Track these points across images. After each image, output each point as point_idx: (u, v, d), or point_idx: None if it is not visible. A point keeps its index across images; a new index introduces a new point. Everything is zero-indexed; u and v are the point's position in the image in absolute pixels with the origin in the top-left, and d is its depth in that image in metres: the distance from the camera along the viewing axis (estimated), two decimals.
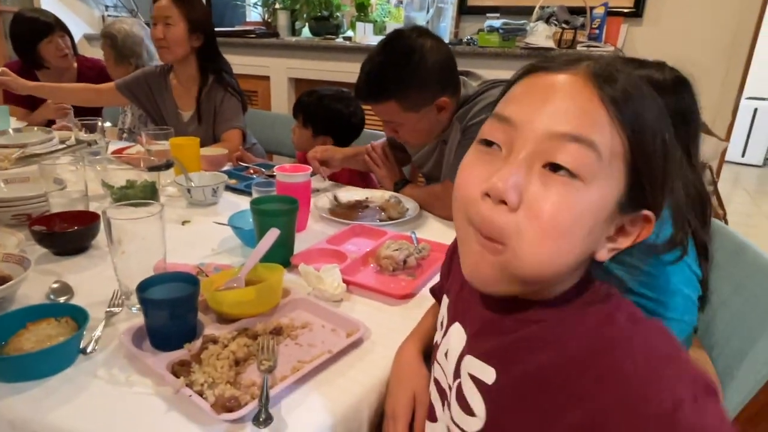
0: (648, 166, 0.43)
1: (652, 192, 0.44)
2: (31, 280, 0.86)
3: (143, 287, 0.70)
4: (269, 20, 3.17)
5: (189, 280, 0.74)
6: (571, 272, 0.45)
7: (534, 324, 0.47)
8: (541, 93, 0.43)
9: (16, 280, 0.78)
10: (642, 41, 2.57)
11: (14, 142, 1.57)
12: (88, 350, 0.69)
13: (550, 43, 2.29)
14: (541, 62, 0.46)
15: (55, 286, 0.85)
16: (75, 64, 2.37)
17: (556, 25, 2.42)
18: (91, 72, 2.38)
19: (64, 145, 1.57)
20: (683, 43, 2.48)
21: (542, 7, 2.47)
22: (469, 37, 2.55)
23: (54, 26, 2.19)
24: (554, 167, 0.41)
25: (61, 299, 0.82)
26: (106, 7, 3.54)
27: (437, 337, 0.63)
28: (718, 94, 2.50)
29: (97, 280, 0.89)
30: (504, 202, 0.42)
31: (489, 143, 0.46)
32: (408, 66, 1.17)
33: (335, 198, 1.34)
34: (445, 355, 0.57)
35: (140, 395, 0.62)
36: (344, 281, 0.88)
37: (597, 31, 2.41)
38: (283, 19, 3.01)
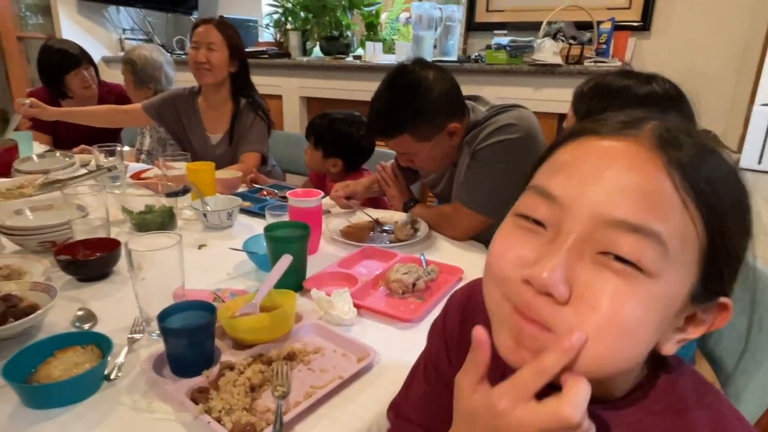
0: (727, 250, 0.36)
1: (731, 276, 0.38)
2: (57, 306, 0.90)
3: (163, 316, 0.74)
4: (281, 40, 3.24)
5: (206, 308, 0.77)
6: (633, 369, 0.40)
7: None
8: (593, 165, 0.36)
9: (44, 309, 0.82)
10: (650, 54, 2.58)
11: (37, 168, 1.64)
12: (112, 377, 0.73)
13: (558, 60, 2.31)
14: (592, 124, 0.39)
15: (80, 313, 0.89)
16: (96, 91, 2.45)
17: (563, 41, 2.44)
18: (110, 96, 2.47)
19: (86, 171, 1.63)
20: (692, 55, 2.49)
21: (549, 23, 2.50)
22: (477, 54, 2.59)
23: (81, 59, 2.29)
24: (612, 257, 0.35)
25: (86, 326, 0.86)
26: (123, 30, 3.65)
27: None
28: (728, 105, 2.50)
29: (118, 306, 0.93)
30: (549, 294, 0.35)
31: (531, 219, 0.39)
32: (416, 99, 1.22)
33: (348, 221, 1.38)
34: None
35: (162, 421, 0.65)
36: (355, 305, 0.91)
37: (604, 46, 2.43)
38: (294, 40, 3.08)
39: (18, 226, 1.11)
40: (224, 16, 3.32)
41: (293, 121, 3.02)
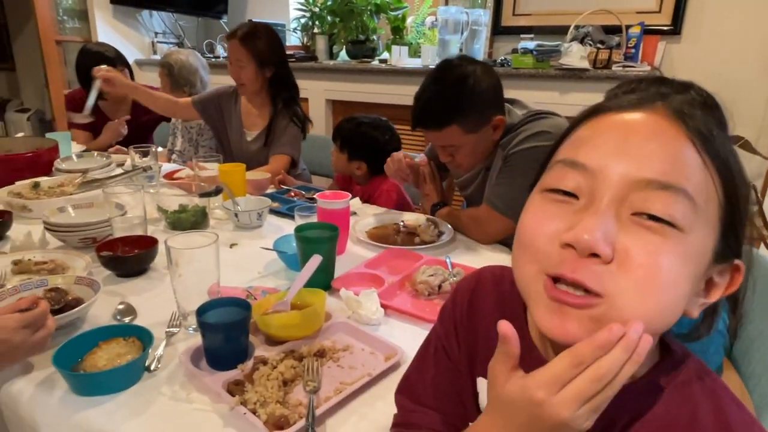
0: (740, 209, 0.39)
1: (742, 237, 0.40)
2: (99, 300, 0.95)
3: (201, 311, 0.77)
4: (308, 44, 3.29)
5: (241, 305, 0.81)
6: (672, 322, 0.40)
7: (630, 406, 0.41)
8: (618, 134, 0.39)
9: (89, 302, 0.86)
10: (681, 59, 2.54)
11: (77, 168, 1.71)
12: (152, 368, 0.77)
13: (585, 64, 2.30)
14: (608, 102, 0.42)
15: (121, 307, 0.93)
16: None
17: (590, 45, 2.43)
18: None
19: (122, 170, 1.69)
20: (724, 60, 2.45)
21: (577, 27, 2.49)
22: (503, 58, 2.59)
23: (115, 61, 2.37)
24: (645, 216, 0.37)
25: (126, 319, 0.91)
26: (156, 33, 3.76)
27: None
28: (762, 111, 2.45)
29: (156, 302, 0.97)
30: (595, 255, 0.36)
31: (561, 192, 0.40)
32: (465, 90, 1.24)
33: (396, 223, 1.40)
34: None
35: (200, 411, 0.69)
36: (382, 305, 0.93)
37: (633, 51, 2.41)
38: (321, 44, 3.13)
39: (61, 223, 1.16)
40: (253, 20, 3.40)
41: (319, 123, 3.06)
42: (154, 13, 3.70)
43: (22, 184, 1.52)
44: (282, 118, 1.98)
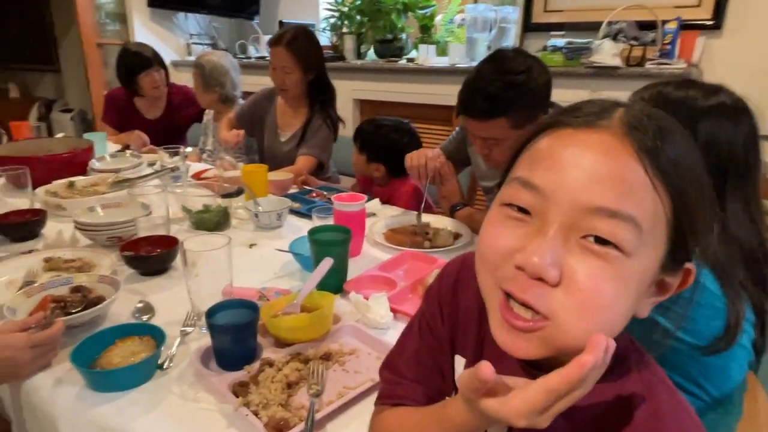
0: (692, 222, 0.40)
1: (696, 244, 0.42)
2: (121, 298, 0.99)
3: (211, 313, 0.79)
4: (337, 44, 3.32)
5: (251, 307, 0.82)
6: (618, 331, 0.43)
7: (595, 400, 0.43)
8: (570, 156, 0.39)
9: (107, 301, 0.90)
10: (721, 55, 2.43)
11: (109, 168, 1.78)
12: (165, 366, 0.79)
13: (617, 62, 2.23)
14: (566, 116, 0.42)
15: (140, 305, 0.97)
16: (166, 92, 2.64)
17: (624, 41, 2.35)
18: (178, 97, 2.67)
19: (152, 170, 1.75)
20: None
21: (610, 23, 2.41)
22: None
23: (152, 62, 2.48)
24: (592, 238, 0.38)
25: (145, 317, 0.94)
26: (191, 35, 3.86)
27: None
28: None
29: (174, 300, 1.00)
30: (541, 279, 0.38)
31: (516, 207, 0.42)
32: (522, 84, 1.21)
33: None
34: None
35: (205, 411, 0.71)
36: (392, 309, 0.94)
37: (669, 47, 2.31)
38: (349, 43, 3.14)
39: (89, 222, 1.21)
40: (283, 21, 3.46)
41: (346, 123, 3.07)
42: (189, 15, 3.80)
43: (59, 184, 1.60)
44: (316, 120, 2.00)
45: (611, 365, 0.42)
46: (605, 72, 2.21)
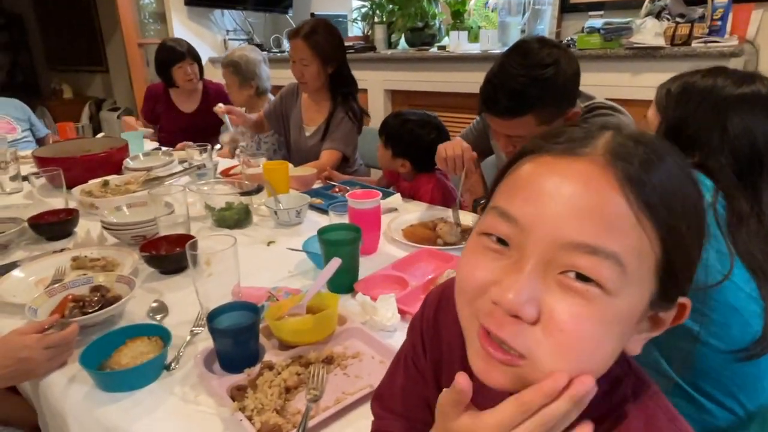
0: (683, 259, 0.37)
1: (687, 281, 0.39)
2: (138, 297, 1.02)
3: (214, 315, 0.80)
4: (368, 34, 3.28)
5: (252, 309, 0.82)
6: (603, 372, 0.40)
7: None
8: (550, 187, 0.36)
9: (121, 302, 0.92)
10: None
11: (142, 166, 1.84)
12: (171, 367, 0.81)
13: (660, 41, 2.09)
14: (548, 141, 0.39)
15: (155, 305, 0.99)
16: (200, 86, 2.75)
17: (668, 19, 2.20)
18: (212, 93, 2.76)
19: (181, 168, 1.79)
20: None
21: (652, 0, 2.26)
22: (570, 38, 2.42)
23: (185, 55, 2.59)
24: (573, 274, 0.36)
25: (158, 317, 0.96)
26: (227, 31, 3.93)
27: None
28: None
29: (189, 299, 1.01)
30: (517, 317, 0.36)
31: (495, 237, 0.39)
32: (549, 80, 1.14)
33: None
34: None
35: (204, 414, 0.71)
36: (400, 311, 0.91)
37: (719, 23, 2.14)
38: (380, 33, 3.10)
39: (114, 222, 1.25)
40: (315, 13, 3.45)
41: (378, 114, 3.05)
42: (226, 12, 3.87)
43: (94, 183, 1.66)
44: (339, 113, 1.99)
45: (606, 390, 0.41)
46: (647, 53, 2.08)
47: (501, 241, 0.39)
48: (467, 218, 1.36)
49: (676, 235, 0.36)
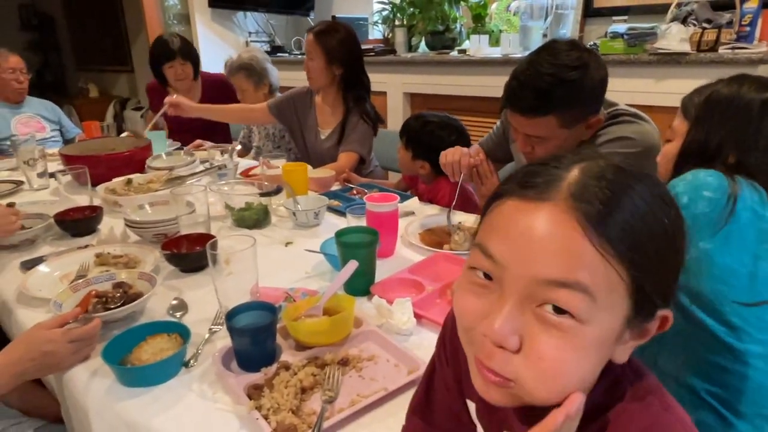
0: (654, 281, 0.40)
1: (664, 299, 0.41)
2: (159, 294, 1.04)
3: (232, 315, 0.81)
4: (388, 37, 3.29)
5: (270, 309, 0.83)
6: (593, 381, 0.44)
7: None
8: (520, 229, 0.40)
9: (143, 298, 0.94)
10: None
11: (164, 165, 1.87)
12: (190, 364, 0.82)
13: (686, 47, 2.05)
14: (516, 186, 0.42)
15: (175, 302, 1.01)
16: (199, 83, 2.66)
17: (694, 25, 2.16)
18: (213, 87, 2.68)
19: (203, 168, 1.82)
20: None
21: (679, 5, 2.22)
22: (593, 43, 2.39)
23: (176, 54, 2.47)
24: (549, 307, 0.39)
25: (178, 314, 0.98)
26: (249, 33, 3.98)
27: None
28: None
29: (209, 298, 1.02)
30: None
31: (481, 271, 0.43)
32: (576, 82, 1.13)
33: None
34: None
35: (221, 411, 0.72)
36: (416, 315, 0.92)
37: (748, 29, 2.10)
38: (400, 36, 3.11)
39: (137, 220, 1.28)
40: (337, 15, 3.47)
41: (397, 118, 3.06)
42: (248, 14, 3.92)
43: (118, 181, 1.70)
44: (352, 117, 2.01)
45: (606, 387, 0.45)
46: (672, 59, 2.04)
47: (486, 276, 0.42)
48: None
49: (644, 261, 0.39)
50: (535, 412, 0.43)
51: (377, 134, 2.09)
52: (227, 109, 2.32)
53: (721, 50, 2.01)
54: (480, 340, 0.42)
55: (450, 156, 1.38)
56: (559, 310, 0.38)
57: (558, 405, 0.41)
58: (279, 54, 3.79)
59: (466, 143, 1.75)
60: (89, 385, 0.79)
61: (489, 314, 0.41)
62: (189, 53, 2.55)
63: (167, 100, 2.14)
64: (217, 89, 2.68)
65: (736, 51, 1.98)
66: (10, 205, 1.37)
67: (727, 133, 0.82)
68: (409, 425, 0.66)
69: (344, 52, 1.96)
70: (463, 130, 1.78)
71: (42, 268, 1.14)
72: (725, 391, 0.81)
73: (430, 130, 1.72)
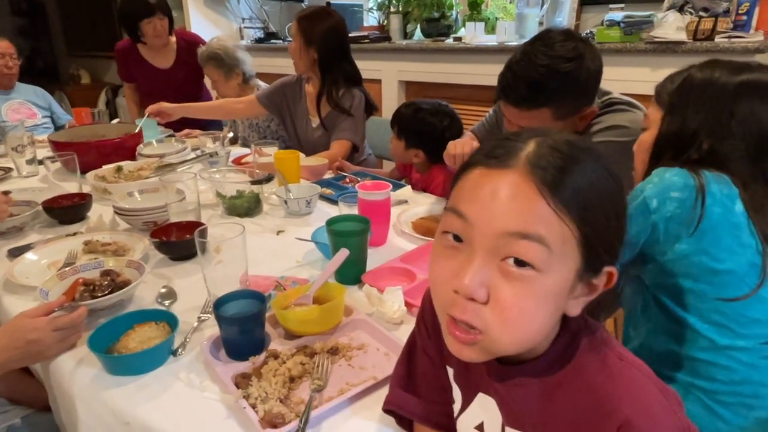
0: (601, 238, 0.46)
1: (610, 255, 0.47)
2: (148, 282, 1.03)
3: (220, 303, 0.80)
4: (384, 24, 3.26)
5: (258, 298, 0.82)
6: (550, 332, 0.50)
7: (563, 386, 0.50)
8: (487, 191, 0.46)
9: (131, 286, 0.93)
10: None
11: (155, 153, 1.85)
12: (178, 353, 0.81)
13: (682, 36, 2.04)
14: (482, 157, 0.48)
15: (163, 290, 1.00)
16: (173, 39, 2.61)
17: (691, 13, 2.14)
18: (189, 45, 2.60)
19: (194, 155, 1.80)
20: None
21: None
22: (588, 32, 2.37)
23: (155, 9, 2.41)
24: (511, 260, 0.45)
25: (167, 302, 0.97)
26: (243, 19, 3.93)
27: (455, 408, 0.63)
28: None
29: (198, 286, 1.01)
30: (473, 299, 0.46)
31: (452, 234, 0.48)
32: (571, 73, 1.11)
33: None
34: (481, 427, 0.59)
35: (208, 400, 0.72)
36: (407, 304, 0.91)
37: (744, 18, 2.08)
38: (395, 23, 3.08)
39: (126, 207, 1.26)
40: (331, 2, 3.43)
41: (391, 105, 3.03)
42: None
43: (108, 168, 1.67)
44: (345, 102, 1.97)
45: (567, 341, 0.51)
46: (668, 48, 2.03)
47: (456, 238, 0.48)
48: None
49: (591, 219, 0.45)
50: (507, 372, 0.52)
51: (369, 118, 2.07)
52: (212, 105, 2.29)
53: (718, 39, 2.00)
54: (452, 297, 0.47)
55: (460, 148, 1.35)
56: (520, 263, 0.44)
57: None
58: (272, 41, 3.75)
59: (458, 128, 1.74)
60: (75, 373, 0.78)
61: (459, 272, 0.46)
62: (166, 8, 2.49)
63: (148, 109, 2.11)
64: (190, 44, 2.60)
65: (733, 40, 1.97)
66: (6, 193, 1.34)
67: (702, 119, 0.80)
68: (391, 395, 0.68)
69: (322, 35, 1.92)
70: (455, 115, 1.75)
71: (29, 255, 1.13)
72: (711, 384, 0.81)
73: (422, 117, 1.69)
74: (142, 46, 2.57)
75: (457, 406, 0.63)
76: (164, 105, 2.13)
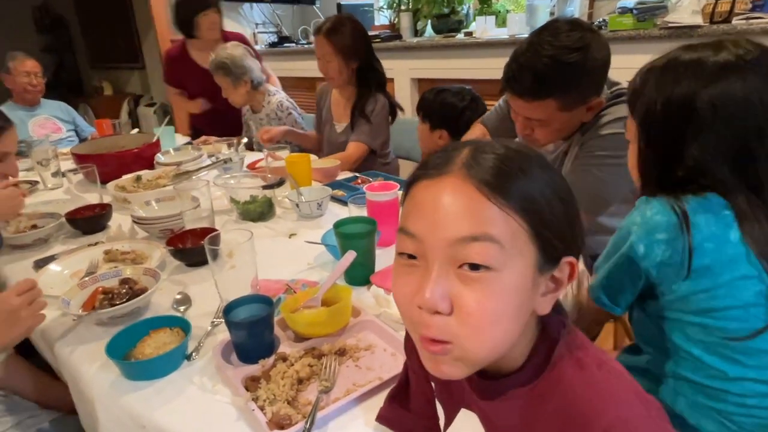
0: (549, 227, 0.46)
1: (564, 244, 0.47)
2: (164, 289, 1.06)
3: (230, 308, 0.82)
4: (395, 22, 3.26)
5: (267, 302, 0.84)
6: (521, 335, 0.49)
7: (544, 397, 0.49)
8: (431, 203, 0.46)
9: (146, 294, 0.96)
10: None
11: (172, 161, 1.89)
12: (192, 357, 0.84)
13: (698, 20, 1.99)
14: (419, 172, 0.49)
15: (179, 297, 1.03)
16: (221, 38, 2.60)
17: None
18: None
19: (209, 162, 1.84)
20: None
21: None
22: (601, 20, 2.33)
23: (211, 2, 2.46)
24: (467, 266, 0.44)
25: (182, 308, 1.00)
26: (256, 24, 3.98)
27: (441, 425, 0.64)
28: None
29: (212, 291, 1.04)
30: (438, 312, 0.45)
31: (406, 254, 0.48)
32: (577, 64, 1.10)
33: None
34: None
35: (220, 403, 0.74)
36: None
37: None
38: (405, 21, 3.08)
39: (143, 216, 1.30)
40: (342, 3, 3.44)
41: (405, 104, 3.01)
42: (254, 5, 3.91)
43: (127, 178, 1.73)
44: (369, 106, 1.97)
45: (546, 351, 0.50)
46: (683, 32, 1.98)
47: (411, 257, 0.47)
48: None
49: (537, 210, 0.45)
50: (489, 387, 0.52)
51: (392, 123, 2.08)
52: (307, 134, 2.30)
53: (735, 21, 1.94)
54: (417, 314, 0.46)
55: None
56: (475, 267, 0.44)
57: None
58: (286, 44, 3.79)
59: (480, 107, 1.79)
60: (95, 379, 0.82)
61: (420, 288, 0.46)
62: (219, 6, 2.54)
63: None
64: (237, 40, 2.58)
65: (751, 21, 1.91)
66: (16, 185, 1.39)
67: (677, 136, 0.75)
68: (383, 408, 0.69)
69: (358, 46, 1.93)
70: (477, 96, 1.80)
71: (53, 266, 1.17)
72: (725, 405, 0.78)
73: (443, 98, 1.77)
74: (192, 46, 2.59)
75: (442, 422, 0.63)
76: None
